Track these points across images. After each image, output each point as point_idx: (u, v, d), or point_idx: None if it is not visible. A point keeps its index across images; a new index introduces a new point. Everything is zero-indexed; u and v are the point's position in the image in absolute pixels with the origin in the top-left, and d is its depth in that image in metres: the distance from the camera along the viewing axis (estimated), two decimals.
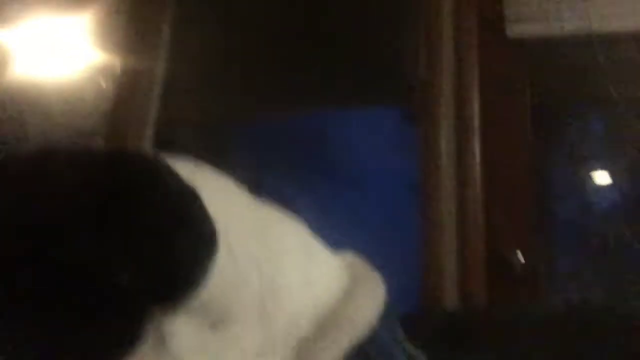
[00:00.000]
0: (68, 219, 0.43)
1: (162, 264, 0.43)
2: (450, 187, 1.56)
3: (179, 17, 2.04)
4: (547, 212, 1.72)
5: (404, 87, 1.78)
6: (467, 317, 1.08)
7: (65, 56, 2.00)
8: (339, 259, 0.58)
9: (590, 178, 1.75)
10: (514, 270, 1.45)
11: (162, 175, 0.45)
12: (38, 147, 0.49)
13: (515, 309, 1.04)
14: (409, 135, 1.82)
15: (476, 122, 1.63)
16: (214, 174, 0.52)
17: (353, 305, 0.52)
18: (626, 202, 1.69)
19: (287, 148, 1.96)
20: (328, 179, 1.90)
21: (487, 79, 1.67)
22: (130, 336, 0.44)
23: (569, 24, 1.64)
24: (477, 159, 1.59)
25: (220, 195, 0.49)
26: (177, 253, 0.44)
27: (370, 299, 0.54)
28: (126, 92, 1.93)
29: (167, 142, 1.92)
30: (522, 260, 1.46)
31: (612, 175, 1.72)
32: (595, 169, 1.73)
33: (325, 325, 0.50)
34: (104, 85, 1.96)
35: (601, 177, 1.75)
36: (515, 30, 1.68)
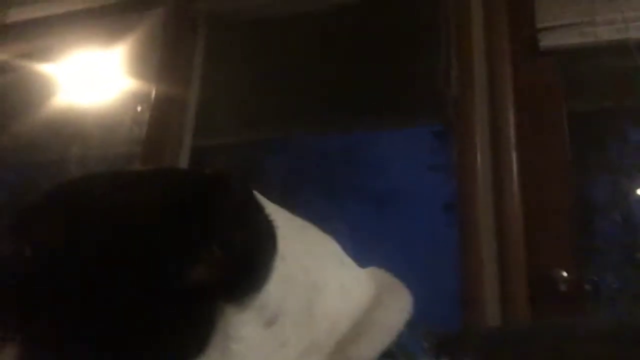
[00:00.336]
0: (152, 220, 0.47)
1: (233, 260, 0.46)
2: (488, 204, 1.53)
3: (211, 44, 2.08)
4: (588, 227, 1.68)
5: (437, 105, 1.77)
6: (510, 335, 1.05)
7: (103, 86, 2.06)
8: (366, 270, 0.61)
9: (631, 190, 1.70)
10: (557, 288, 1.41)
11: (234, 184, 0.49)
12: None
13: (559, 325, 1.01)
14: (444, 153, 1.80)
15: (512, 137, 1.60)
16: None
17: (382, 312, 0.54)
18: None
19: (321, 168, 1.96)
20: (362, 197, 1.90)
21: (521, 92, 1.64)
22: (204, 333, 0.46)
23: (602, 32, 1.61)
24: (515, 174, 1.56)
25: (266, 203, 0.53)
26: (247, 250, 0.47)
27: (398, 306, 0.56)
28: (161, 118, 1.97)
29: (202, 165, 1.94)
30: (565, 276, 1.42)
31: None
32: (636, 179, 1.69)
33: (358, 329, 0.52)
34: (140, 112, 2.01)
35: None
36: (548, 41, 1.65)
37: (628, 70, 1.58)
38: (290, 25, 1.96)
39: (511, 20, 1.71)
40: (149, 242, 0.46)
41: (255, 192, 0.52)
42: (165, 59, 2.03)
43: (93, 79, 2.07)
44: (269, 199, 0.55)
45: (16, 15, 2.16)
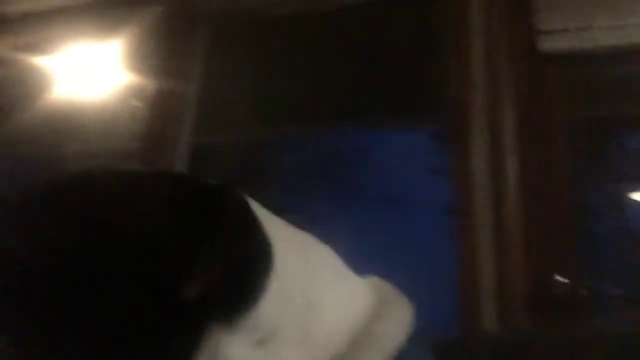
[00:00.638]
0: (149, 229, 0.46)
1: (229, 278, 0.46)
2: (486, 208, 1.54)
3: (212, 40, 2.07)
4: (587, 232, 1.68)
5: (436, 107, 1.77)
6: (508, 342, 1.06)
7: (101, 80, 2.05)
8: (365, 281, 0.60)
9: (629, 196, 1.71)
10: (556, 293, 1.42)
11: (234, 198, 0.48)
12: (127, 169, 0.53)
13: (559, 333, 1.01)
14: (443, 156, 1.80)
15: (511, 141, 1.61)
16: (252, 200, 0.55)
17: (382, 325, 0.54)
18: None
19: (320, 169, 1.96)
20: (361, 200, 1.90)
21: (520, 96, 1.64)
22: (189, 350, 0.45)
23: (602, 37, 1.61)
24: (513, 178, 1.56)
25: (263, 218, 0.52)
26: (241, 270, 0.46)
27: (398, 319, 0.55)
28: (160, 114, 1.96)
29: (201, 161, 1.94)
30: (564, 282, 1.42)
31: None
32: (636, 185, 1.69)
33: (356, 343, 0.52)
34: (138, 107, 2.00)
35: None
36: (547, 45, 1.65)
37: (627, 76, 1.59)
38: (293, 24, 1.96)
39: (510, 24, 1.71)
40: (144, 252, 0.45)
41: (254, 204, 0.51)
42: (165, 53, 2.02)
43: (91, 73, 2.06)
44: (267, 199, 0.55)
45: (14, 8, 2.14)
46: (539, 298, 1.43)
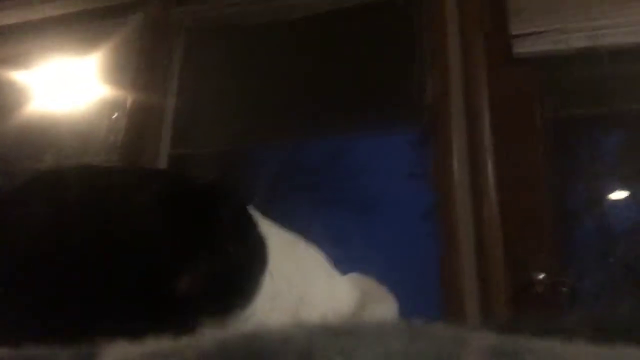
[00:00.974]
0: (148, 223, 0.47)
1: (224, 275, 0.46)
2: (466, 209, 1.55)
3: (189, 51, 2.07)
4: (565, 231, 1.70)
5: (414, 112, 1.78)
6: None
7: (79, 93, 2.04)
8: (348, 278, 0.62)
9: (605, 195, 1.73)
10: (535, 291, 1.43)
11: (232, 196, 0.49)
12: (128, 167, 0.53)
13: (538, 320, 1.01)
14: (420, 159, 1.81)
15: (488, 142, 1.62)
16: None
17: (368, 316, 0.56)
18: None
19: (298, 176, 1.96)
20: (340, 205, 1.90)
21: (496, 98, 1.66)
22: None
23: (574, 39, 1.64)
24: (491, 179, 1.58)
25: (258, 217, 0.53)
26: (238, 266, 0.48)
27: (382, 310, 0.57)
28: (138, 126, 1.95)
29: (181, 171, 1.93)
30: (543, 279, 1.44)
31: (629, 190, 1.70)
32: (612, 184, 1.71)
33: None
34: (116, 119, 1.98)
35: (618, 193, 1.73)
36: (522, 48, 1.68)
37: (600, 77, 1.61)
38: (268, 32, 1.96)
39: (485, 28, 1.73)
40: (139, 245, 0.46)
41: (249, 205, 0.52)
42: (143, 65, 2.01)
43: (68, 86, 2.04)
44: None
45: None
46: (519, 295, 1.44)
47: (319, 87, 1.94)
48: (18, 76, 2.03)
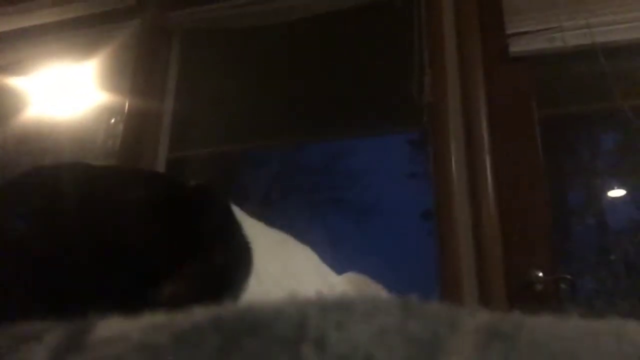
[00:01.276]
0: (134, 224, 0.47)
1: (208, 277, 0.46)
2: (464, 208, 1.55)
3: (185, 56, 2.07)
4: (563, 229, 1.70)
5: (412, 113, 1.78)
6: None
7: (76, 99, 2.04)
8: (344, 276, 0.62)
9: (604, 193, 1.73)
10: (534, 290, 1.43)
11: (217, 199, 0.49)
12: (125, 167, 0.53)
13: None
14: (420, 160, 1.81)
15: (486, 142, 1.62)
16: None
17: None
18: None
19: (299, 175, 1.96)
20: (340, 206, 1.90)
21: (493, 98, 1.66)
22: None
23: (569, 37, 1.64)
24: (489, 178, 1.58)
25: (245, 223, 0.53)
26: (222, 269, 0.47)
27: None
28: (135, 130, 1.95)
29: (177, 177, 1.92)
30: (541, 277, 1.44)
31: (627, 187, 1.70)
32: (610, 182, 1.71)
33: None
34: (113, 124, 1.99)
35: (616, 191, 1.73)
36: (518, 47, 1.68)
37: (596, 75, 1.61)
38: (265, 36, 1.97)
39: (482, 27, 1.73)
40: (125, 249, 0.46)
41: (234, 207, 0.52)
42: (139, 71, 2.01)
43: (66, 92, 2.05)
44: (246, 211, 0.55)
45: None
46: (518, 293, 1.44)
47: (317, 88, 1.94)
48: (16, 82, 2.03)
